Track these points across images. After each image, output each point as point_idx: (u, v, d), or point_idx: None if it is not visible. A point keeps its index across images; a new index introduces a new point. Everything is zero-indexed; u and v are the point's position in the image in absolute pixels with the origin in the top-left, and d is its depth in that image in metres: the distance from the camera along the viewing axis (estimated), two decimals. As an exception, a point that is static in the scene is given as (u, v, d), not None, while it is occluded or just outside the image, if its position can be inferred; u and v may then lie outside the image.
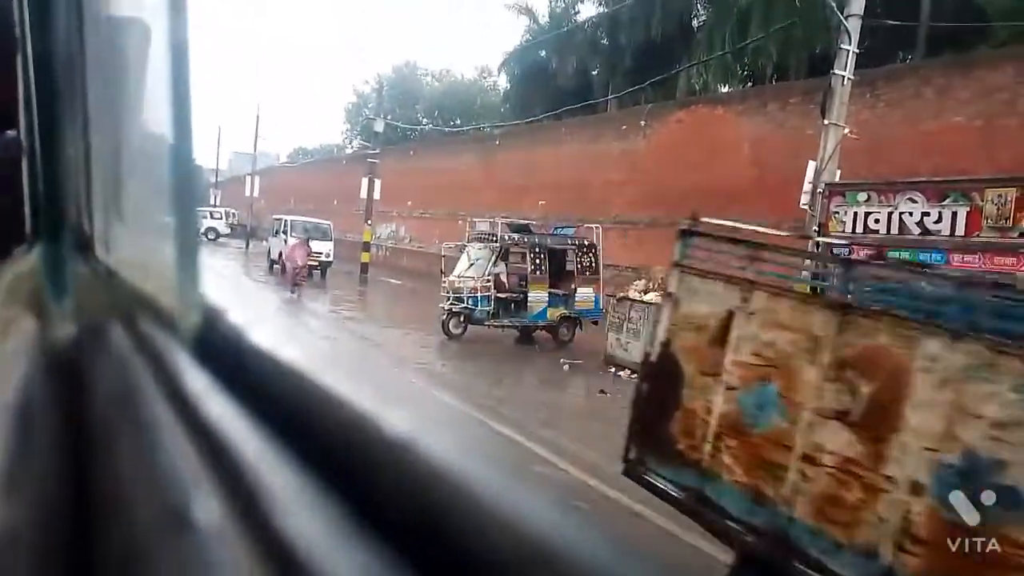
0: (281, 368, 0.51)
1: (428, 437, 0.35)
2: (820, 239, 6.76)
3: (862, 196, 6.42)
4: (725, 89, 25.45)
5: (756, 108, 16.79)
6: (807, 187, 10.34)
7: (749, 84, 25.26)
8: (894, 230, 6.15)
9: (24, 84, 1.06)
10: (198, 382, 0.57)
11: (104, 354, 0.84)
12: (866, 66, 12.43)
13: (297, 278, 17.90)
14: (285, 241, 24.05)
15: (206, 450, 0.46)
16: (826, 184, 7.79)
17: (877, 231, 6.27)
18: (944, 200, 5.83)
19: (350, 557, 0.31)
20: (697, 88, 26.78)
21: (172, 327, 0.71)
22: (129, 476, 0.52)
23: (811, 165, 10.41)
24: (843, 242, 6.54)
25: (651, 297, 11.36)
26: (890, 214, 6.17)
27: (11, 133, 1.09)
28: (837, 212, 6.58)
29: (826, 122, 10.19)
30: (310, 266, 24.27)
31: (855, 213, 6.43)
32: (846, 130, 10.26)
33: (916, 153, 12.84)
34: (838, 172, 10.18)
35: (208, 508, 0.39)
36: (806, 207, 10.39)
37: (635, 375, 10.93)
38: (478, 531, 0.29)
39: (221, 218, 41.81)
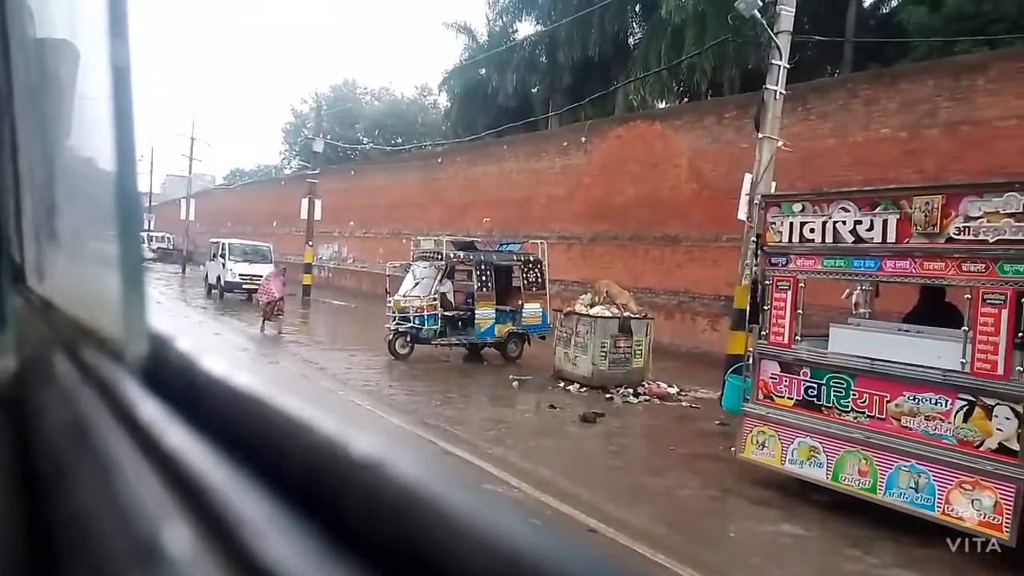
0: (234, 393, 0.50)
1: (378, 459, 0.35)
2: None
3: (797, 207, 6.56)
4: (662, 105, 25.96)
5: (693, 123, 17.17)
6: (744, 199, 10.60)
7: (685, 99, 25.82)
8: (829, 239, 6.30)
9: None
10: (150, 410, 0.55)
11: (49, 386, 0.81)
12: (796, 80, 12.84)
13: (272, 312, 15.75)
14: (223, 265, 23.52)
15: (167, 479, 0.45)
16: (762, 196, 7.96)
17: (813, 240, 6.41)
18: (875, 209, 6.00)
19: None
20: (635, 104, 27.22)
21: (118, 356, 0.69)
22: (90, 509, 0.50)
23: (747, 177, 10.67)
24: (781, 251, 6.68)
25: (598, 311, 11.44)
26: (824, 223, 6.32)
27: None
28: (774, 223, 6.71)
29: (760, 135, 10.48)
30: (248, 290, 23.76)
31: (791, 223, 6.56)
32: (780, 143, 10.56)
33: (847, 163, 13.30)
34: (774, 184, 10.46)
35: (177, 537, 0.38)
36: (743, 218, 10.65)
37: (584, 389, 11.01)
38: (444, 548, 0.29)
39: (143, 242, 40.75)
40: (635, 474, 7.38)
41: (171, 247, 43.87)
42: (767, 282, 6.79)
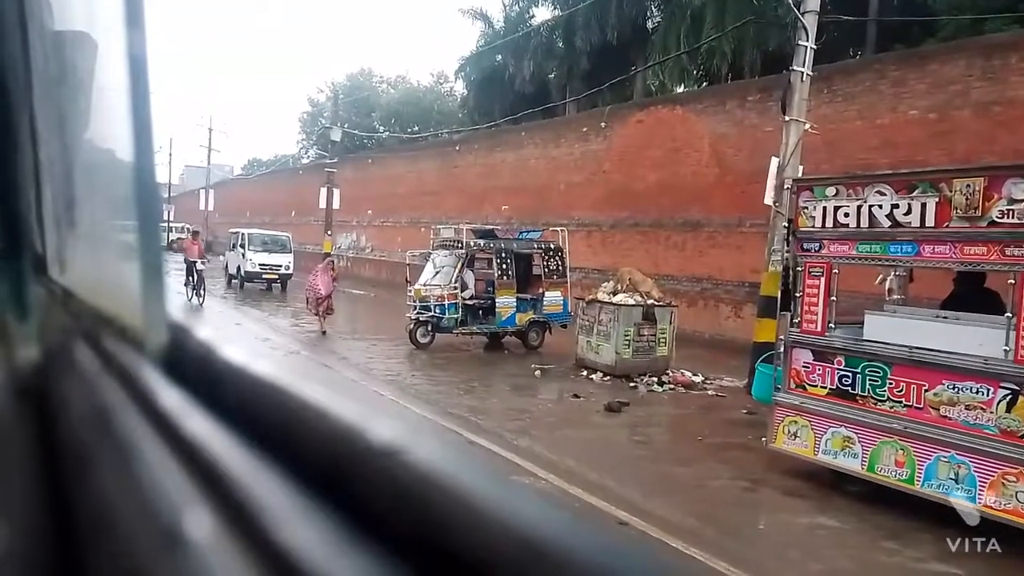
0: (253, 381, 0.51)
1: (398, 446, 0.35)
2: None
3: (830, 190, 6.37)
4: (680, 89, 25.64)
5: (715, 107, 16.89)
6: (771, 183, 10.39)
7: (704, 84, 25.48)
8: (864, 223, 6.11)
9: None
10: (171, 399, 0.56)
11: (71, 375, 0.83)
12: (818, 63, 12.57)
13: (322, 309, 14.55)
14: (243, 255, 23.56)
15: (188, 466, 0.46)
16: (794, 180, 7.75)
17: (847, 225, 6.22)
18: (912, 192, 5.81)
19: (352, 563, 0.31)
20: (653, 89, 26.91)
21: (138, 345, 0.70)
22: (112, 495, 0.51)
23: (774, 161, 10.46)
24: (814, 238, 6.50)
25: (621, 299, 11.29)
26: (859, 207, 6.12)
27: None
28: (806, 207, 6.53)
29: (787, 118, 10.25)
30: (268, 280, 23.75)
31: (824, 208, 6.37)
32: (807, 125, 10.33)
33: (874, 146, 13.03)
34: (800, 168, 10.24)
35: (198, 523, 0.38)
36: (770, 203, 10.45)
37: (607, 378, 10.89)
38: (464, 533, 0.29)
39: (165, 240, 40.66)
40: (663, 464, 7.26)
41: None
42: (799, 268, 6.62)
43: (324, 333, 14.40)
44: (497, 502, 0.30)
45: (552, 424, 8.52)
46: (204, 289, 18.10)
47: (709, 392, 10.55)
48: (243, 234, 24.31)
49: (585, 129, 20.90)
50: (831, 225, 6.36)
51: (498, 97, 31.12)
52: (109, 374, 0.72)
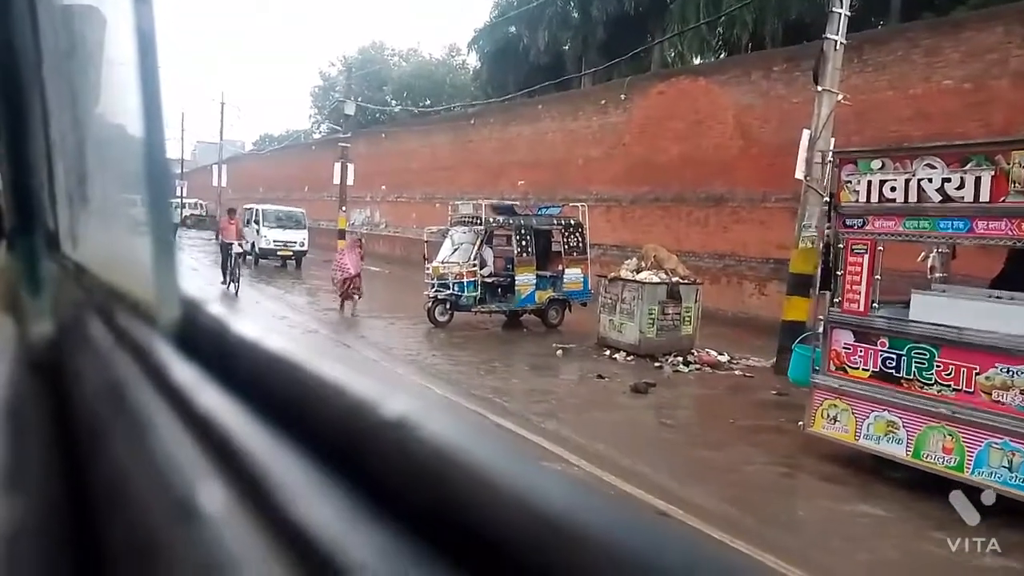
0: (266, 356, 0.50)
1: (412, 420, 0.34)
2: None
3: (876, 163, 6.07)
4: (699, 61, 25.09)
5: (739, 78, 16.41)
6: (802, 156, 10.03)
7: (723, 54, 24.89)
8: (912, 198, 5.82)
9: None
10: (184, 373, 0.56)
11: (85, 350, 0.84)
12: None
13: (349, 291, 13.83)
14: (257, 231, 23.37)
15: (200, 440, 0.46)
16: (835, 152, 7.43)
17: (894, 200, 5.93)
18: (966, 165, 5.50)
19: (366, 538, 0.31)
20: (670, 60, 26.34)
21: (151, 320, 0.70)
22: (126, 469, 0.51)
23: (805, 133, 10.09)
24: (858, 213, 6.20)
25: (645, 276, 11.01)
26: (907, 181, 5.83)
27: None
28: (849, 181, 6.23)
29: (819, 88, 9.88)
30: (282, 257, 23.55)
31: (869, 182, 6.08)
32: (839, 96, 9.95)
33: (906, 117, 12.62)
34: (832, 140, 9.89)
35: (211, 496, 0.39)
36: (801, 177, 10.10)
37: (631, 357, 10.65)
38: (479, 509, 0.29)
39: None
40: (695, 448, 7.04)
41: (204, 214, 43.92)
42: (841, 245, 6.34)
43: (352, 315, 13.88)
44: (512, 477, 0.29)
45: (578, 406, 8.31)
46: (240, 273, 16.13)
47: (736, 372, 10.31)
48: (257, 210, 24.12)
49: (604, 101, 20.46)
50: (876, 200, 6.06)
51: (512, 69, 30.63)
52: (122, 349, 0.73)
